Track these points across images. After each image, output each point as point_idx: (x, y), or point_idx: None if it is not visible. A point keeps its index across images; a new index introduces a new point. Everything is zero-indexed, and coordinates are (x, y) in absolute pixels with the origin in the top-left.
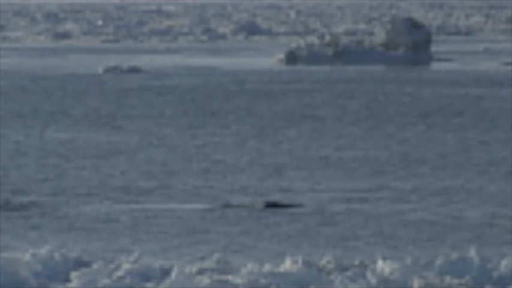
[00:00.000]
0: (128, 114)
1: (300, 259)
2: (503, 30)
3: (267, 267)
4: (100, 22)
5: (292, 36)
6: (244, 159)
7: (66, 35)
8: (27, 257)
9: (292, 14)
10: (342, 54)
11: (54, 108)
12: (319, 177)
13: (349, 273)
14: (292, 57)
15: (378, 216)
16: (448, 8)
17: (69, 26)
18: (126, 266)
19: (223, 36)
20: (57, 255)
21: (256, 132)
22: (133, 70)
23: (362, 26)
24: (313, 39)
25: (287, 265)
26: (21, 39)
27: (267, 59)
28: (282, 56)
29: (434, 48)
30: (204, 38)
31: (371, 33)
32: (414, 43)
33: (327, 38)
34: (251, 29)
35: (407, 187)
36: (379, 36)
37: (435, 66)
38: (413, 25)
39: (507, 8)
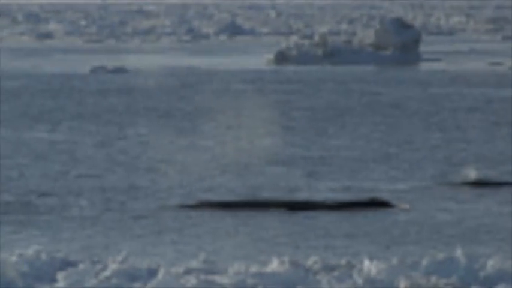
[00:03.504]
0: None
1: (286, 259)
2: (485, 31)
3: (254, 268)
4: (83, 22)
5: (275, 37)
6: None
7: (48, 35)
8: (13, 257)
9: (273, 14)
10: (331, 55)
11: (46, 108)
12: (296, 176)
13: (335, 273)
14: (281, 57)
15: (365, 216)
16: (429, 8)
17: (51, 26)
18: (113, 266)
19: (206, 37)
20: (43, 256)
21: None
22: (119, 70)
23: (344, 26)
24: (298, 39)
25: (274, 265)
26: (3, 39)
27: (255, 59)
28: (271, 56)
29: (421, 48)
30: (187, 38)
31: (353, 34)
32: (403, 43)
33: (316, 38)
34: (234, 29)
35: (387, 186)
36: (368, 36)
37: (424, 66)
38: (402, 25)
39: (487, 8)
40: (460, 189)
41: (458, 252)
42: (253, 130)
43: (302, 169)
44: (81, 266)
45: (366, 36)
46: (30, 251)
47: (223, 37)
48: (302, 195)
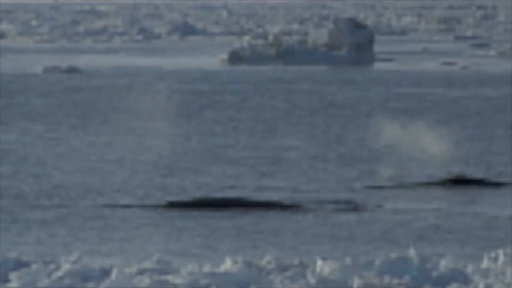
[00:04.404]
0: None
1: (240, 259)
2: (437, 30)
3: (207, 268)
4: (34, 22)
5: (227, 37)
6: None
7: (0, 35)
8: None
9: (225, 14)
10: (285, 54)
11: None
12: (245, 176)
13: (289, 273)
14: (235, 57)
15: (319, 216)
16: (381, 8)
17: (3, 26)
18: (66, 266)
19: (158, 37)
20: None
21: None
22: (73, 70)
23: (296, 26)
24: (251, 39)
25: (227, 265)
26: None
27: (209, 59)
28: (224, 56)
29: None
30: (139, 38)
31: (305, 33)
32: (357, 43)
33: (270, 38)
34: (186, 29)
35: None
36: (322, 36)
37: (378, 66)
38: (356, 25)
39: (438, 8)
40: (411, 189)
41: (411, 252)
42: (200, 130)
43: (250, 169)
44: (34, 266)
45: (320, 36)
46: None
47: (175, 37)
48: (253, 195)
